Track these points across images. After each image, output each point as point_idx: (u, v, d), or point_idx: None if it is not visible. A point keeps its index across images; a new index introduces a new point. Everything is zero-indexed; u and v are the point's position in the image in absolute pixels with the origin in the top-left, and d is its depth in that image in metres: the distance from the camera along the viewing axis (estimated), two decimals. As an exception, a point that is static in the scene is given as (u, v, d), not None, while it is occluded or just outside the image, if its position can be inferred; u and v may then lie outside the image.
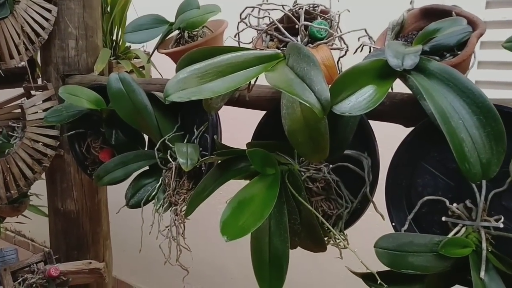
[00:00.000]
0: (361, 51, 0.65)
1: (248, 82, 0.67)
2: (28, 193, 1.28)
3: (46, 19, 1.07)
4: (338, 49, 0.64)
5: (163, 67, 1.30)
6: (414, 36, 0.64)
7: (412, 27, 0.66)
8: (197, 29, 0.85)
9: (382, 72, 0.52)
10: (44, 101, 1.14)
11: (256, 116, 0.81)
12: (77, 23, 1.13)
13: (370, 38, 0.64)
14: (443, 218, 0.61)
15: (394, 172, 0.64)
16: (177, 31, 0.87)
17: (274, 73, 0.55)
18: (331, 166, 0.70)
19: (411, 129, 0.64)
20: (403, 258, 0.57)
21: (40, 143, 1.10)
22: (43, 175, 1.20)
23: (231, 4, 1.02)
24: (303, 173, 0.70)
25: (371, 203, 0.65)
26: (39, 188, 1.32)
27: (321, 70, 0.50)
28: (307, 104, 0.48)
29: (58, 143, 1.15)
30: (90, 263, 1.19)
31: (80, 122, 1.03)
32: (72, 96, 0.94)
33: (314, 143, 0.59)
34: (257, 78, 0.66)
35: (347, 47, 0.65)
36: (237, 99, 0.84)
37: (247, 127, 0.80)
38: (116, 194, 1.17)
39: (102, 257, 1.30)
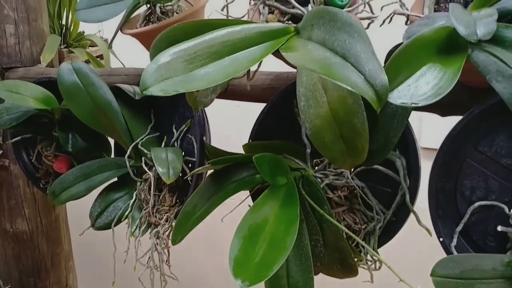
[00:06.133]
0: (389, 22, 0.51)
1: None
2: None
3: (-26, -1, 0.86)
4: (368, 18, 0.49)
5: (125, 56, 1.11)
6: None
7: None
8: (171, 3, 0.67)
9: (444, 46, 0.38)
10: (-21, 101, 0.93)
11: (246, 109, 0.65)
12: (14, 4, 0.92)
13: (403, 5, 0.50)
14: (499, 228, 0.50)
15: (438, 174, 0.51)
16: (145, 6, 0.69)
17: (296, 52, 0.40)
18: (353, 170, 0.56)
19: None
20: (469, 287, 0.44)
21: (-23, 153, 0.89)
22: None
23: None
24: (320, 180, 0.56)
25: (413, 215, 0.51)
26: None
27: (370, 43, 0.35)
28: (356, 91, 0.34)
29: (1, 152, 0.94)
30: (51, 292, 1.01)
31: (27, 125, 0.83)
32: (13, 94, 0.74)
33: (347, 144, 0.44)
34: (260, 62, 0.51)
35: (374, 15, 0.50)
36: (226, 89, 0.68)
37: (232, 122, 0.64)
38: (77, 208, 0.98)
39: (65, 281, 1.11)
